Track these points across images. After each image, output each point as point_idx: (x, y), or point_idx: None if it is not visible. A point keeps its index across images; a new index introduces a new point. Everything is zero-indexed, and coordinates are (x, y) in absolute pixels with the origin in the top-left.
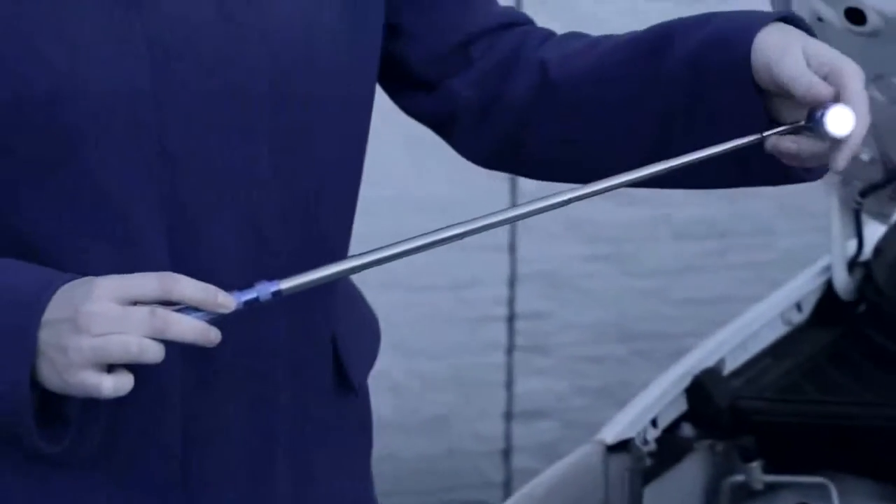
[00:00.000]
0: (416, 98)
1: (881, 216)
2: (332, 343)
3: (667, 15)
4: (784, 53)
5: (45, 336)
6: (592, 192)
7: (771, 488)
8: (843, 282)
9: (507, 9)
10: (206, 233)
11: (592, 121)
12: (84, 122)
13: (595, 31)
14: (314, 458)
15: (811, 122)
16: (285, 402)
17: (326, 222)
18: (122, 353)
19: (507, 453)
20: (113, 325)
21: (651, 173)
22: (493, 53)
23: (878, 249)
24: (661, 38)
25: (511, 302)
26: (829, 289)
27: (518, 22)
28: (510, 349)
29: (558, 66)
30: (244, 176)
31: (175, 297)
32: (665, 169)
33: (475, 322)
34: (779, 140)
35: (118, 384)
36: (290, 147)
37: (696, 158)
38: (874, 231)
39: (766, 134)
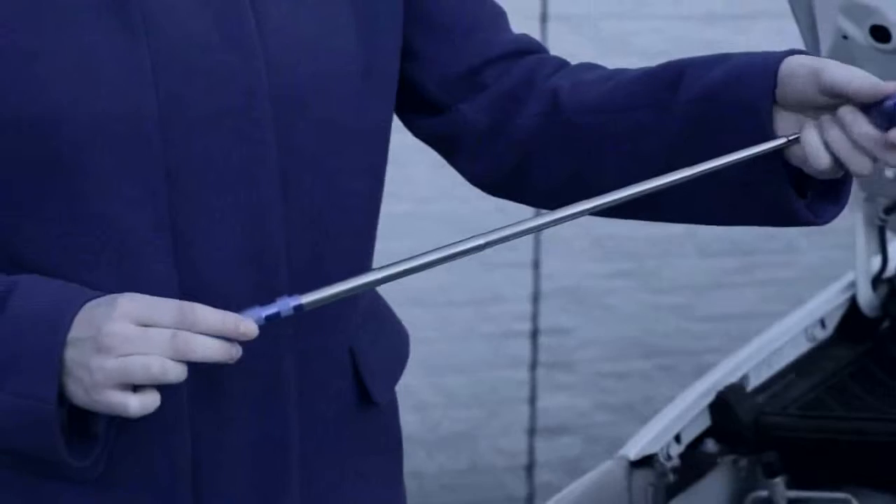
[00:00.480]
0: (426, 119)
1: None
2: (350, 357)
3: (692, 34)
4: (825, 62)
5: (72, 354)
6: (606, 202)
7: None
8: (867, 298)
9: (522, 36)
10: (209, 248)
11: (600, 149)
12: (88, 142)
13: (620, 49)
14: (331, 470)
15: (879, 113)
16: (297, 414)
17: (339, 240)
18: (144, 374)
19: (530, 468)
20: (134, 346)
21: (677, 179)
22: (506, 79)
23: None
24: (678, 72)
25: (534, 318)
26: (853, 305)
27: (532, 50)
28: (533, 365)
29: (569, 93)
30: (249, 194)
31: (196, 329)
32: (691, 175)
33: (498, 338)
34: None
35: (145, 403)
36: (298, 167)
37: (726, 163)
38: None
39: (791, 137)
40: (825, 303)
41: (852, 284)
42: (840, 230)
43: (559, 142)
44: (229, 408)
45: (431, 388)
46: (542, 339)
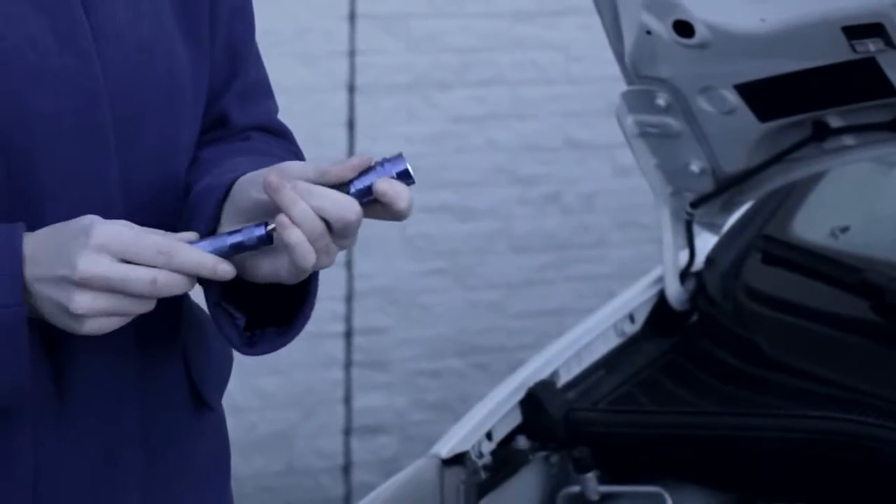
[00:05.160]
0: None
1: (712, 226)
2: (183, 362)
3: (502, 31)
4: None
5: (48, 291)
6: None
7: (606, 498)
8: (675, 292)
9: (267, 113)
10: None
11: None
12: None
13: (430, 47)
14: (170, 472)
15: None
16: (138, 417)
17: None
18: (123, 321)
19: (346, 469)
20: (114, 285)
21: None
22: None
23: (710, 259)
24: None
25: (348, 318)
26: (661, 300)
27: (262, 127)
28: (348, 365)
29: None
30: (91, 195)
31: (174, 267)
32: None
33: (313, 338)
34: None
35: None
36: (138, 169)
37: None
38: (706, 241)
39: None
40: (634, 298)
41: (660, 279)
42: (650, 225)
43: None
44: (72, 407)
45: (246, 389)
46: (357, 339)
